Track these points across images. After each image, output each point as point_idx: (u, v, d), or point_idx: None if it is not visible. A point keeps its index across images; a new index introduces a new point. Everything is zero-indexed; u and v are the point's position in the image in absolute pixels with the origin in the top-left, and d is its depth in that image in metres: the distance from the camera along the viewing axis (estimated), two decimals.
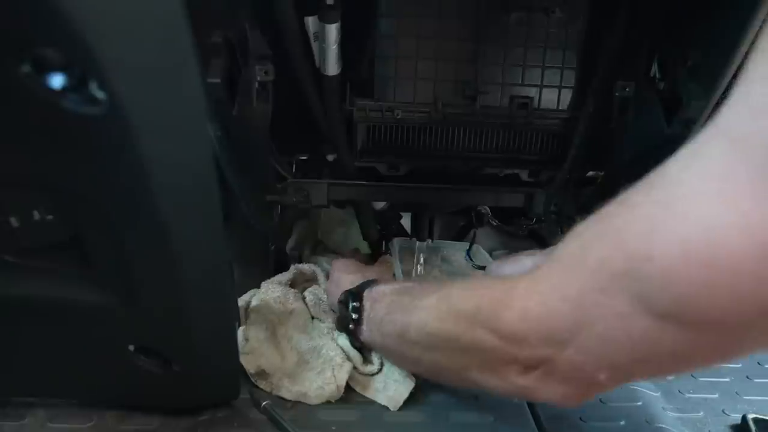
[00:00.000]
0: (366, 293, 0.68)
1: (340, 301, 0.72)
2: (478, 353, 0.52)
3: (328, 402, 0.68)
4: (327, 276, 0.92)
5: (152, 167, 0.43)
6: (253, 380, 0.68)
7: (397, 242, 0.98)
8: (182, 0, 0.38)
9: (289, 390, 0.67)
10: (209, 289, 0.54)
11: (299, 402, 0.68)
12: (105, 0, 0.36)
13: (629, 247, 0.41)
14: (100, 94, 0.39)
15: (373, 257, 1.05)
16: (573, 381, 0.48)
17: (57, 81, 0.39)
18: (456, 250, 1.02)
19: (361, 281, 0.73)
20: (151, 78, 0.40)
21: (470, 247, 0.99)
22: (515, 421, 0.65)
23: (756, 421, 0.66)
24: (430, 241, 1.01)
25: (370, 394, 0.69)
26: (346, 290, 0.71)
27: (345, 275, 0.81)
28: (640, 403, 0.69)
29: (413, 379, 0.70)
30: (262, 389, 0.69)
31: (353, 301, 0.68)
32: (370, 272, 0.82)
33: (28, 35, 0.37)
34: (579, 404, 0.50)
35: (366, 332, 0.67)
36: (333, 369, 0.69)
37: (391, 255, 0.95)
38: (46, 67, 0.38)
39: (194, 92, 0.42)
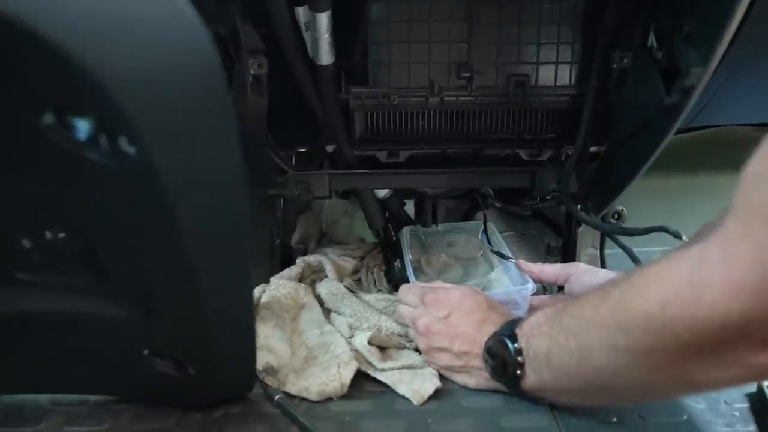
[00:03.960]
0: (518, 332, 0.60)
1: (488, 348, 0.63)
2: (687, 354, 0.44)
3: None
4: (333, 266, 0.92)
5: (181, 214, 0.42)
6: (260, 377, 0.68)
7: (406, 231, 0.98)
8: (220, 59, 0.36)
9: (293, 384, 0.67)
10: (228, 300, 0.53)
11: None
12: (139, 64, 0.35)
13: None
14: (129, 150, 0.38)
15: (379, 246, 1.04)
16: None
17: (82, 132, 0.37)
18: (461, 233, 1.02)
19: (495, 318, 0.66)
20: (186, 137, 0.38)
21: (484, 229, 0.99)
22: (527, 405, 0.64)
23: None
24: (435, 226, 1.01)
25: (394, 386, 0.68)
26: (494, 333, 0.63)
27: (466, 315, 0.68)
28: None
29: (438, 378, 0.68)
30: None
31: (513, 343, 0.59)
32: (495, 304, 0.71)
33: (61, 103, 0.36)
34: None
35: (530, 375, 0.59)
36: (339, 366, 0.68)
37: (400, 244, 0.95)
38: (70, 119, 0.37)
39: (231, 149, 0.40)
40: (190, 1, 0.35)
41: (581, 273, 0.77)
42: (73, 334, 0.56)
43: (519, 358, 0.59)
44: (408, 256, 0.91)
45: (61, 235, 0.48)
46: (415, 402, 0.66)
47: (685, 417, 0.64)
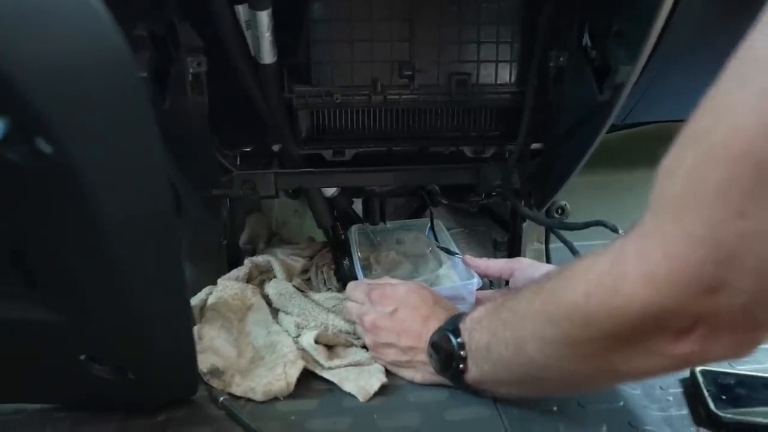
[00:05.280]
0: (461, 326, 0.61)
1: (433, 343, 0.64)
2: (609, 344, 0.46)
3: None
4: (282, 266, 0.91)
5: (104, 214, 0.41)
6: (205, 379, 0.67)
7: (354, 229, 0.98)
8: (132, 59, 0.36)
9: (238, 385, 0.66)
10: (162, 303, 0.52)
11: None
12: (46, 59, 0.34)
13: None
14: (47, 149, 0.36)
15: (328, 245, 1.04)
16: (742, 326, 0.41)
17: None
18: (410, 231, 1.03)
19: (440, 313, 0.67)
20: (101, 134, 0.38)
21: (431, 225, 1.00)
22: (471, 398, 0.65)
23: (703, 372, 0.68)
24: (383, 223, 1.02)
25: (340, 383, 0.68)
26: (438, 328, 0.64)
27: (412, 310, 0.69)
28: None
29: (384, 374, 0.69)
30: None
31: (456, 338, 0.60)
32: (440, 299, 0.73)
33: None
34: (754, 351, 0.43)
35: (472, 368, 0.60)
36: (285, 365, 0.68)
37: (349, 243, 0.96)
38: None
39: (151, 145, 0.40)
40: None
41: (525, 267, 0.79)
42: (5, 341, 0.55)
43: (462, 352, 0.60)
44: (357, 254, 0.91)
45: None
46: (361, 399, 0.66)
47: (622, 403, 0.66)
